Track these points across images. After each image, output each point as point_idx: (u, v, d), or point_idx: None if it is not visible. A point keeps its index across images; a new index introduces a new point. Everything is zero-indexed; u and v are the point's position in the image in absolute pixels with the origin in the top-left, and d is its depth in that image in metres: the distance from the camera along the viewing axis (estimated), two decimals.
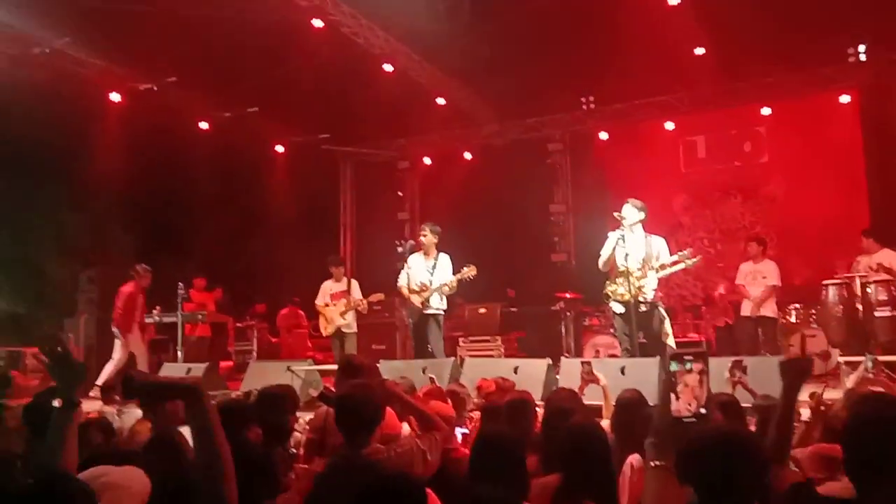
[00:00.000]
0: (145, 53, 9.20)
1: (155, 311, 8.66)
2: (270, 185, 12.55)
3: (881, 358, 6.08)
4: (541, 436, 3.59)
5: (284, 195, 12.43)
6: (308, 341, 11.43)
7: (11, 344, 8.64)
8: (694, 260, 6.44)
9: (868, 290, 7.03)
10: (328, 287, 8.71)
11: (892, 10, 8.63)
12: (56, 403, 2.10)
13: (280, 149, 12.72)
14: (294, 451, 3.78)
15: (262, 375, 6.89)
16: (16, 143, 8.41)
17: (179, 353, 8.04)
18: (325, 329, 8.59)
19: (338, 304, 8.49)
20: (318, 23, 8.98)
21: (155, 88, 10.07)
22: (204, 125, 11.28)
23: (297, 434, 3.99)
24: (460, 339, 10.25)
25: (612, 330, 8.33)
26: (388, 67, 10.17)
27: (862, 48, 10.24)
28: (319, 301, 8.68)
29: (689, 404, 2.29)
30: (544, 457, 3.16)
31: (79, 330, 9.21)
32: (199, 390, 1.84)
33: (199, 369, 7.34)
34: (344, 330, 8.43)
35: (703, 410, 2.29)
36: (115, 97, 9.94)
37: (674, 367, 2.31)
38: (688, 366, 2.26)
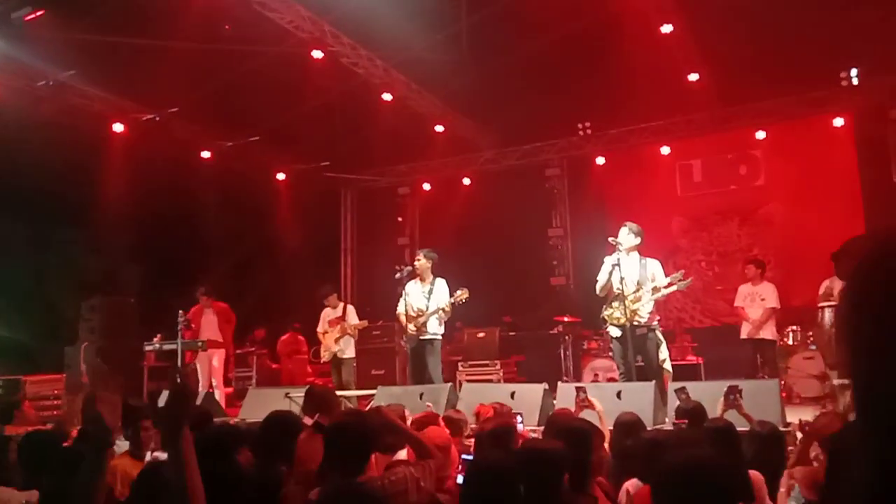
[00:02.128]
0: (147, 85, 9.36)
1: (155, 339, 8.71)
2: (272, 212, 12.67)
3: None
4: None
5: (286, 222, 12.55)
6: (308, 367, 11.45)
7: (11, 373, 8.68)
8: (686, 282, 6.51)
9: None
10: (327, 314, 8.79)
11: (883, 35, 8.77)
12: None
13: (281, 176, 12.85)
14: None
15: (260, 402, 6.92)
16: (20, 173, 8.52)
17: (178, 381, 8.07)
18: (324, 355, 8.67)
19: (333, 330, 8.56)
20: (318, 54, 9.15)
21: (157, 119, 10.23)
22: (206, 154, 11.42)
23: None
24: (459, 364, 10.26)
25: (610, 353, 8.35)
26: (387, 97, 10.33)
27: (854, 72, 10.37)
28: (319, 328, 8.77)
29: None
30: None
31: (79, 357, 9.25)
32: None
33: (197, 396, 7.36)
34: (340, 356, 8.48)
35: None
36: (118, 128, 10.09)
37: None
38: None
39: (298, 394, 7.44)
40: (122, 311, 8.92)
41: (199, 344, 8.42)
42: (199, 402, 7.12)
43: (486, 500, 2.58)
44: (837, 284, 7.77)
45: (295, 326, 11.74)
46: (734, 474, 2.20)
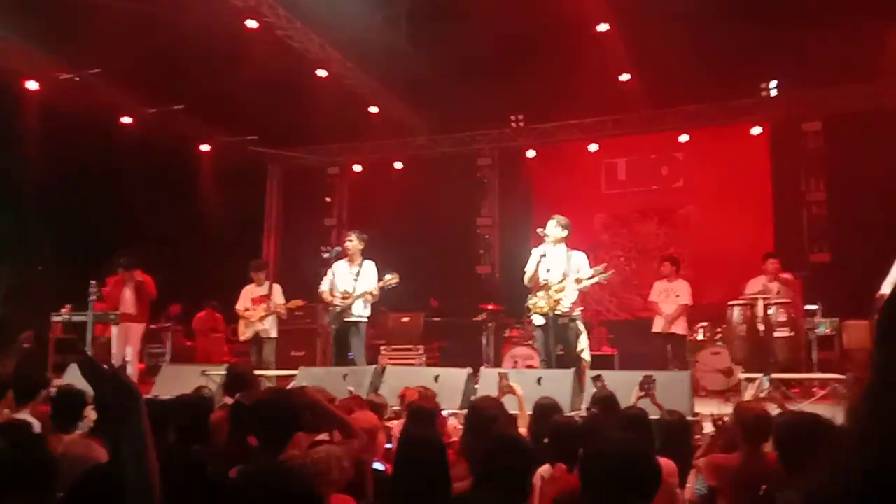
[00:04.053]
0: (67, 42, 8.85)
1: (64, 310, 8.31)
2: (194, 184, 12.26)
3: (777, 376, 6.49)
4: (464, 442, 3.70)
5: (208, 195, 12.17)
6: (225, 346, 11.17)
7: None
8: (607, 274, 6.72)
9: (769, 311, 7.48)
10: (249, 291, 8.57)
11: (801, 51, 9.27)
12: None
13: (206, 148, 12.44)
14: None
15: (175, 379, 6.72)
16: None
17: (89, 354, 7.73)
18: (244, 333, 8.45)
19: (258, 308, 8.37)
20: (252, 24, 8.89)
21: (76, 79, 9.69)
22: (127, 120, 10.92)
23: None
24: (382, 348, 10.26)
25: (531, 342, 8.55)
26: (321, 73, 10.14)
27: (774, 83, 10.91)
28: (240, 305, 8.54)
29: None
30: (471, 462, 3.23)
31: None
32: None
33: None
34: (262, 335, 8.31)
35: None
36: (31, 85, 9.51)
37: None
38: None
39: (216, 372, 7.30)
40: (28, 279, 8.45)
41: (112, 316, 8.07)
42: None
43: (418, 475, 2.59)
44: (765, 283, 8.20)
45: (212, 304, 11.42)
46: (653, 461, 2.31)
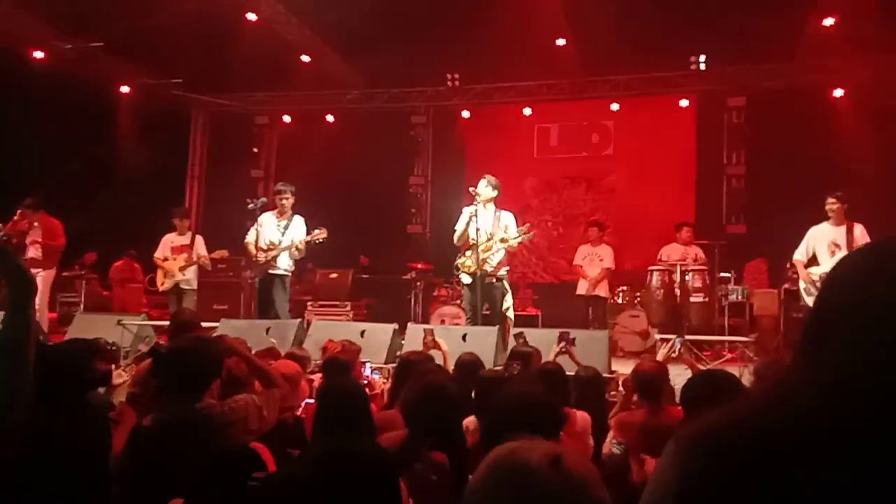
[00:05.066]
0: None
1: None
2: (113, 127, 11.63)
3: (690, 338, 6.78)
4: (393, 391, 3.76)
5: (128, 140, 11.58)
6: (143, 296, 10.80)
7: None
8: (529, 235, 6.88)
9: (686, 277, 7.79)
10: (169, 240, 8.26)
11: (730, 27, 9.51)
12: None
13: (126, 89, 11.80)
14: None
15: (89, 329, 6.44)
16: None
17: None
18: (163, 284, 8.15)
19: (178, 258, 8.09)
20: None
21: None
22: (39, 55, 10.21)
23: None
24: (308, 303, 10.15)
25: (458, 301, 8.63)
26: (251, 16, 9.74)
27: (703, 58, 11.17)
28: (159, 254, 8.22)
29: None
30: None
31: None
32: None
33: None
34: (182, 286, 8.05)
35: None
36: None
37: None
38: None
39: (133, 321, 7.06)
40: None
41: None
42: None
43: (338, 420, 2.58)
44: (675, 250, 8.49)
45: (131, 252, 11.00)
46: (556, 408, 2.38)
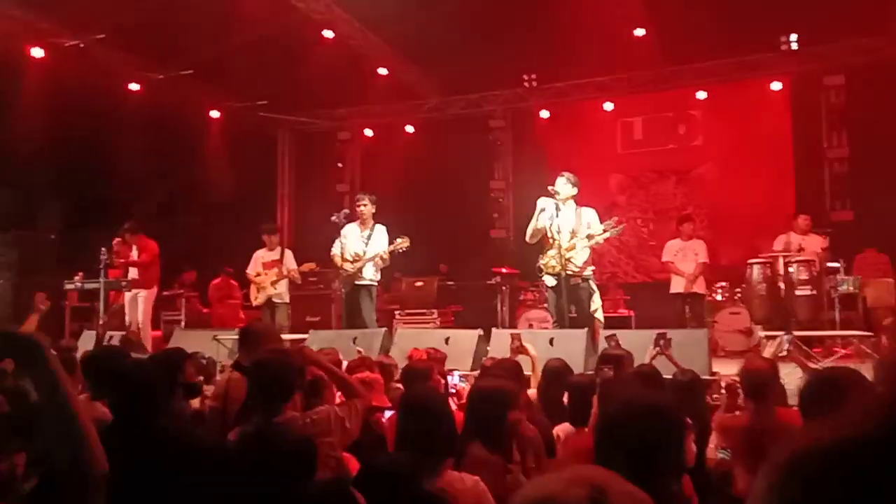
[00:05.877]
0: (71, 7, 8.72)
1: (77, 278, 8.31)
2: (204, 151, 12.15)
3: (798, 334, 6.33)
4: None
5: (219, 162, 12.05)
6: (241, 312, 11.16)
7: None
8: (618, 228, 6.49)
9: (790, 269, 7.29)
10: (260, 256, 8.52)
11: (821, 3, 8.92)
12: None
13: (215, 114, 12.31)
14: None
15: (186, 344, 6.65)
16: None
17: (102, 321, 7.75)
18: (256, 299, 8.41)
19: (270, 273, 8.32)
20: None
21: (81, 45, 9.57)
22: (135, 87, 10.80)
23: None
24: (396, 312, 10.20)
25: (545, 304, 8.43)
26: (328, 34, 9.93)
27: (794, 37, 10.53)
28: (251, 270, 8.50)
29: None
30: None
31: None
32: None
33: (117, 337, 7.09)
34: (275, 300, 8.27)
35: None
36: (37, 52, 9.40)
37: None
38: None
39: (227, 336, 7.28)
40: (40, 248, 8.46)
41: (123, 283, 8.07)
42: (115, 343, 6.87)
43: (419, 432, 2.51)
44: (794, 239, 8.01)
45: (227, 270, 11.40)
46: (677, 413, 2.16)
